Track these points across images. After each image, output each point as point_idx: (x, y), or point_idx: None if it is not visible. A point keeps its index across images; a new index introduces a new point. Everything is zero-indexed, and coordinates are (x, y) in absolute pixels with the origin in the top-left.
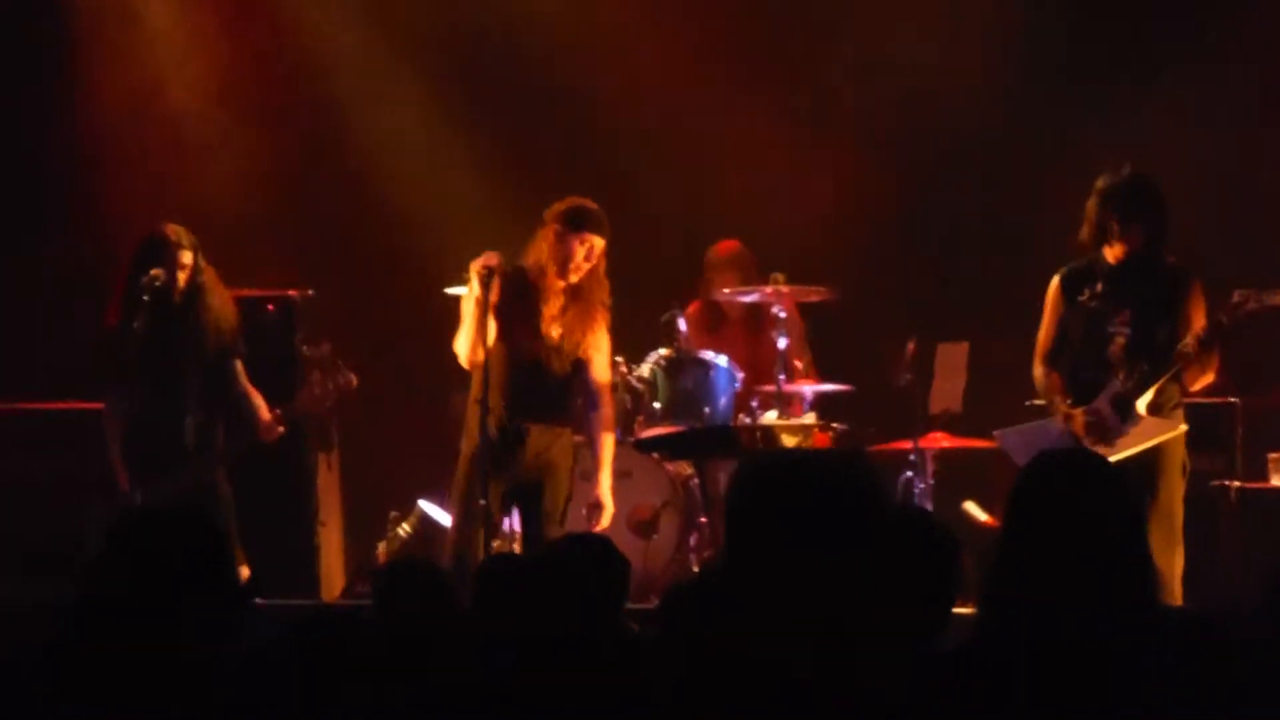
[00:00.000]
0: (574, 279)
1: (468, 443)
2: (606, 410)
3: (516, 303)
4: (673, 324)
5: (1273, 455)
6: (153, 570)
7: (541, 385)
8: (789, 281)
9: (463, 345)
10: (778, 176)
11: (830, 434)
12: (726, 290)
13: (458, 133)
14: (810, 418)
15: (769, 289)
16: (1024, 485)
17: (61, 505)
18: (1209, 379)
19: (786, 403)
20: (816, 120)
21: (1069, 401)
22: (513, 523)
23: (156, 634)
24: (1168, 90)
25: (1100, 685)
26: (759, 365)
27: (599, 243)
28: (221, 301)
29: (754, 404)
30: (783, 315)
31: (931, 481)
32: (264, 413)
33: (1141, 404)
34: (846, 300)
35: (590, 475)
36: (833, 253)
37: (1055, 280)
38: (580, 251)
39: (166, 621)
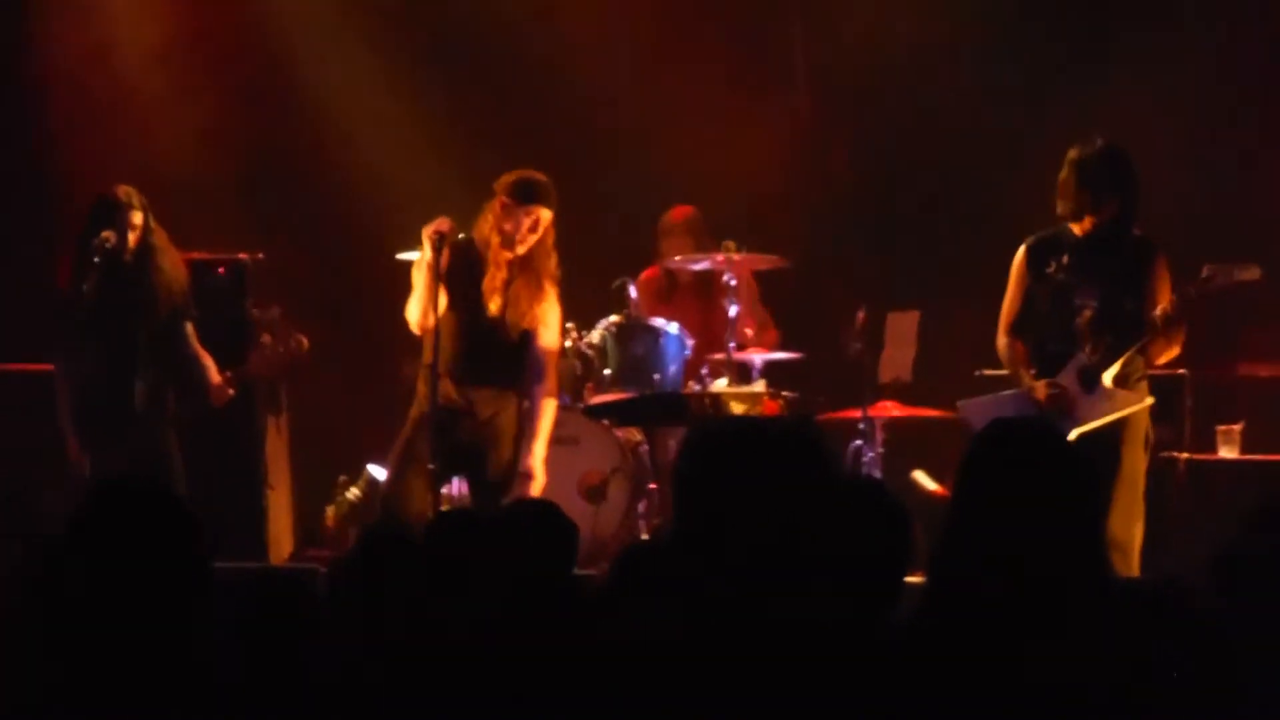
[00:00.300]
0: (520, 250)
1: (415, 407)
2: (549, 382)
3: (465, 272)
4: (624, 290)
5: (1220, 428)
6: (118, 550)
7: (488, 353)
8: (740, 249)
9: (413, 311)
10: (731, 144)
11: (779, 402)
12: (678, 258)
13: (412, 97)
14: (760, 386)
15: (720, 256)
16: (976, 453)
17: (10, 469)
18: (1174, 352)
19: (736, 370)
20: (770, 87)
21: (1033, 373)
22: (454, 489)
23: (125, 611)
24: (1128, 55)
25: (1050, 656)
26: (710, 332)
27: (545, 215)
28: (172, 264)
29: (704, 371)
30: (733, 283)
31: (881, 450)
32: (214, 376)
33: (1107, 377)
34: (797, 268)
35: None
36: (784, 221)
37: (1021, 251)
38: (526, 223)
39: (135, 598)
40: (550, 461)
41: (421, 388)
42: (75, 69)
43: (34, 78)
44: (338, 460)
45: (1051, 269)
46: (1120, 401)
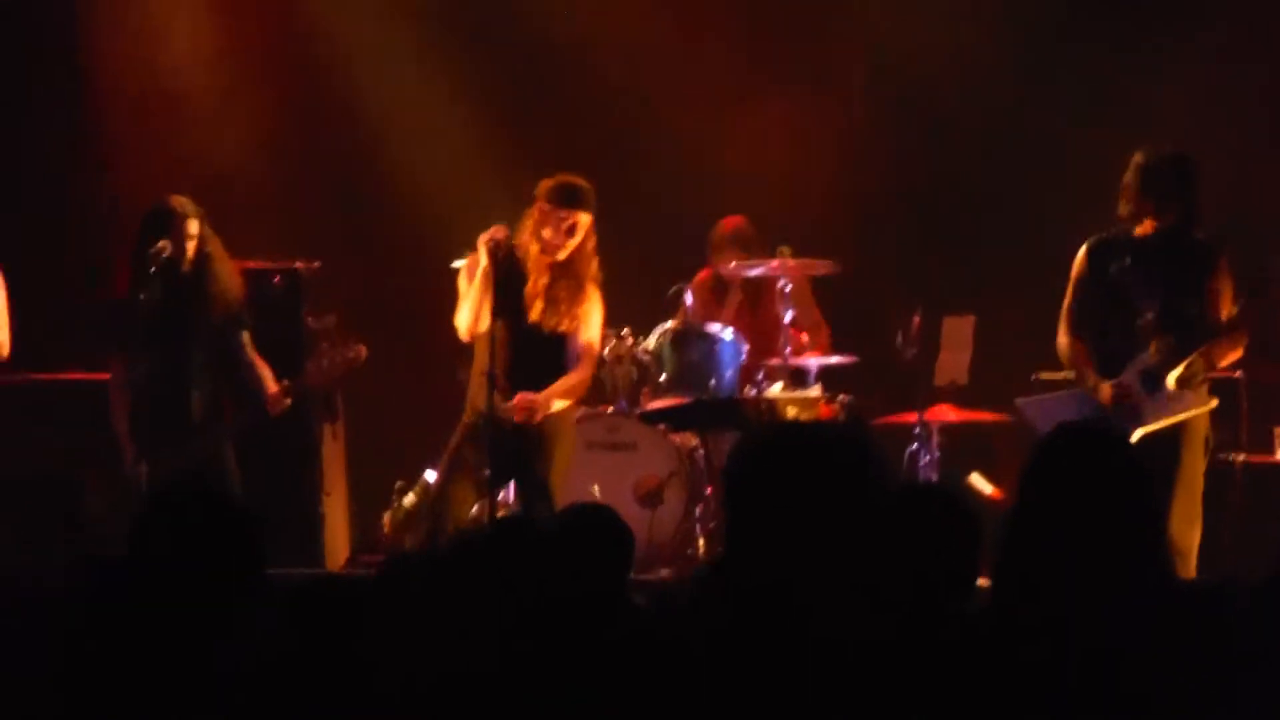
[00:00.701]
0: (561, 256)
1: (469, 413)
2: (584, 369)
3: (509, 279)
4: (679, 297)
5: (1278, 429)
6: (178, 556)
7: (534, 359)
8: (795, 255)
9: (464, 318)
10: (786, 146)
11: (835, 406)
12: (733, 264)
13: (465, 105)
14: (815, 390)
15: (774, 262)
16: (1042, 457)
17: (65, 477)
18: (1237, 355)
19: (791, 375)
20: (822, 93)
21: (1096, 372)
22: (508, 495)
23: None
24: (1177, 59)
25: (1112, 658)
26: (765, 338)
27: (584, 219)
28: (228, 273)
29: (759, 376)
30: (788, 288)
31: (937, 454)
32: (271, 385)
33: (1171, 378)
34: (852, 273)
35: (595, 445)
36: (839, 225)
37: (1082, 251)
38: (564, 227)
39: (193, 604)
40: (607, 466)
41: (473, 394)
42: (128, 77)
43: (89, 87)
44: (395, 467)
45: (1114, 269)
46: (1183, 403)
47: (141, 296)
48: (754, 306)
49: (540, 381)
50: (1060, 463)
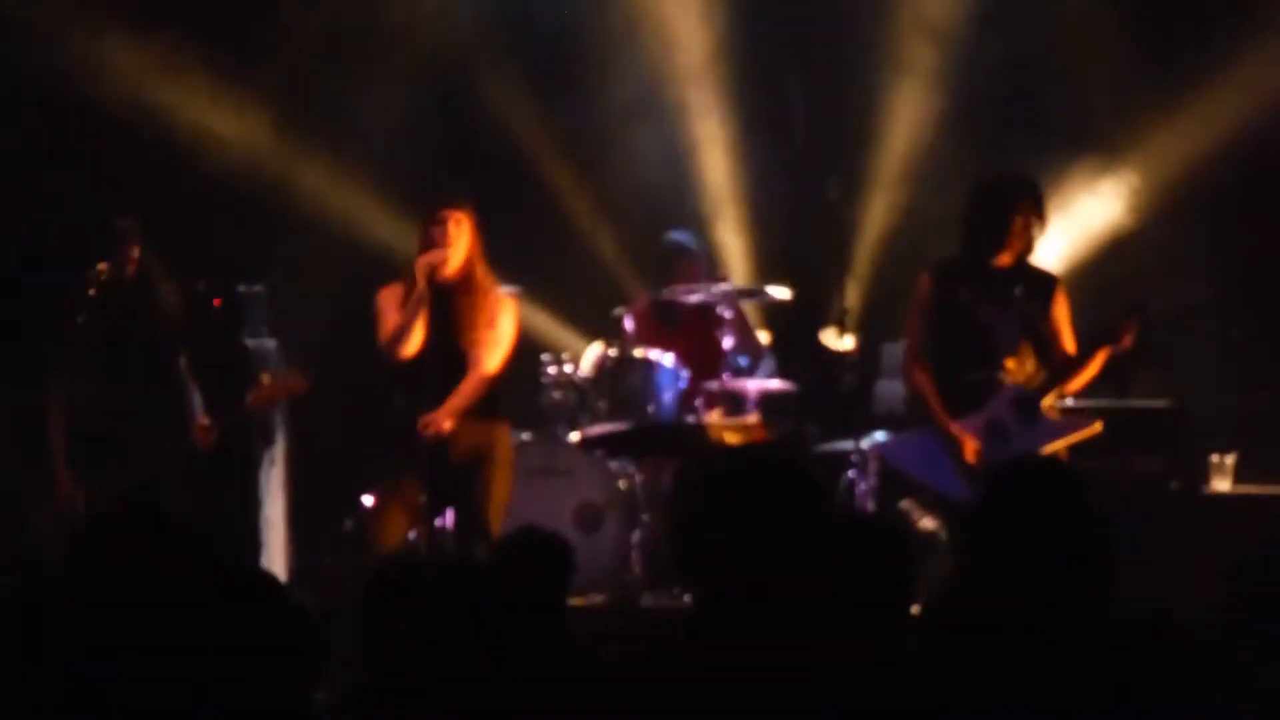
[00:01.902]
0: (450, 267)
1: (399, 439)
2: (472, 374)
3: (432, 303)
4: (619, 322)
5: (1214, 458)
6: (119, 577)
7: (448, 376)
8: (738, 279)
9: (396, 341)
10: (731, 173)
11: (772, 433)
12: (673, 288)
13: (405, 133)
14: (753, 417)
15: (716, 287)
16: (995, 494)
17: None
18: (1089, 379)
19: (730, 401)
20: (769, 119)
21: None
22: (444, 520)
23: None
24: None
25: (1060, 681)
26: (704, 363)
27: (458, 216)
28: (168, 295)
29: (698, 402)
30: (728, 315)
31: (874, 482)
32: (200, 417)
33: (1045, 403)
34: (793, 299)
35: (534, 471)
36: (781, 251)
37: (926, 278)
38: (438, 235)
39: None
40: (544, 492)
41: (402, 418)
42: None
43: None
44: (336, 492)
45: (964, 296)
46: (1068, 427)
47: (80, 318)
48: (694, 331)
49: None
50: (1017, 497)
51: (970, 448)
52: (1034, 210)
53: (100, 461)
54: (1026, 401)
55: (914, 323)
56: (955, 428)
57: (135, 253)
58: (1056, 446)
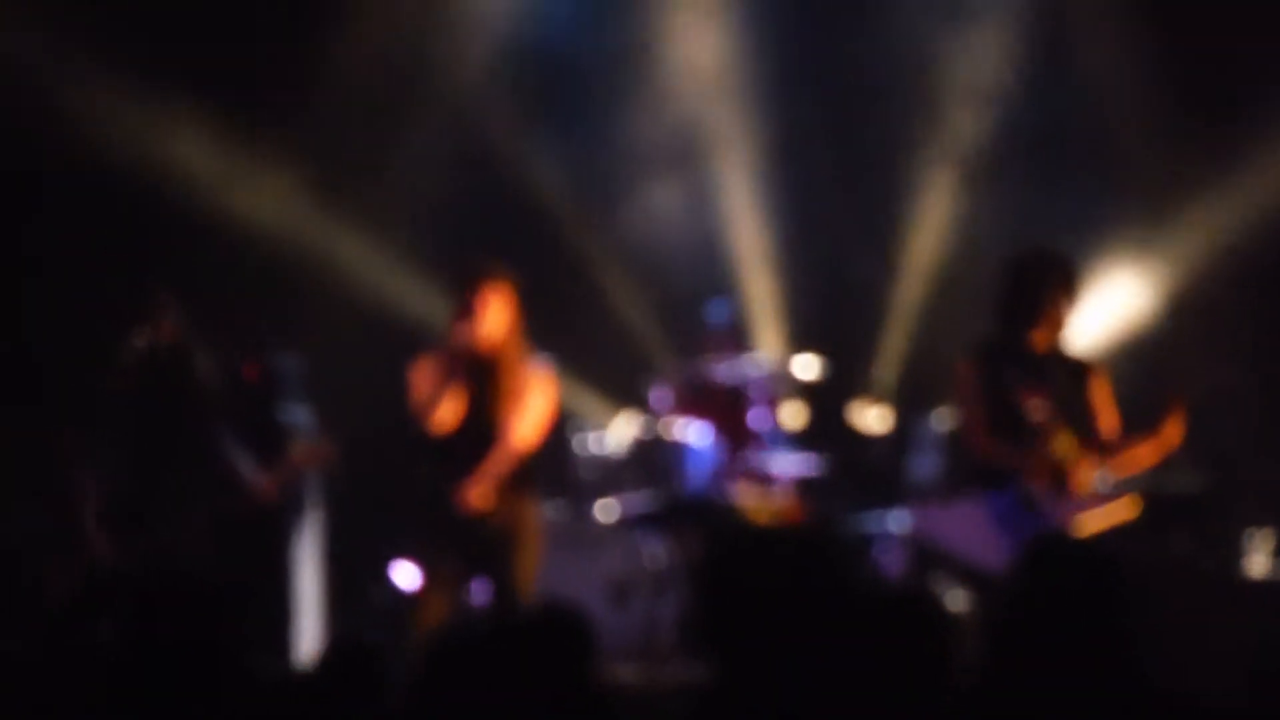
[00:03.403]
0: (491, 339)
1: (434, 512)
2: (502, 446)
3: (465, 376)
4: (652, 394)
5: (1251, 535)
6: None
7: (484, 451)
8: (769, 350)
9: (427, 412)
10: (764, 247)
11: (803, 509)
12: (706, 363)
13: (439, 200)
14: (784, 492)
15: (748, 363)
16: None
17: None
18: (1140, 466)
19: (761, 476)
20: (808, 196)
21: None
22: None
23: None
24: None
25: None
26: (736, 438)
27: (496, 287)
28: (204, 363)
29: (728, 477)
30: (761, 390)
31: (906, 557)
32: (256, 476)
33: (1081, 485)
34: (824, 374)
35: (563, 544)
36: (814, 326)
37: (966, 363)
38: (475, 305)
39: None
40: (574, 566)
41: (438, 492)
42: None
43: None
44: (368, 563)
45: (1007, 379)
46: (1107, 512)
47: (113, 385)
48: (726, 405)
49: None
50: (1046, 577)
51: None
52: (1065, 288)
53: (131, 527)
54: (1058, 478)
55: (968, 406)
56: (1035, 457)
57: (171, 323)
58: (1086, 522)
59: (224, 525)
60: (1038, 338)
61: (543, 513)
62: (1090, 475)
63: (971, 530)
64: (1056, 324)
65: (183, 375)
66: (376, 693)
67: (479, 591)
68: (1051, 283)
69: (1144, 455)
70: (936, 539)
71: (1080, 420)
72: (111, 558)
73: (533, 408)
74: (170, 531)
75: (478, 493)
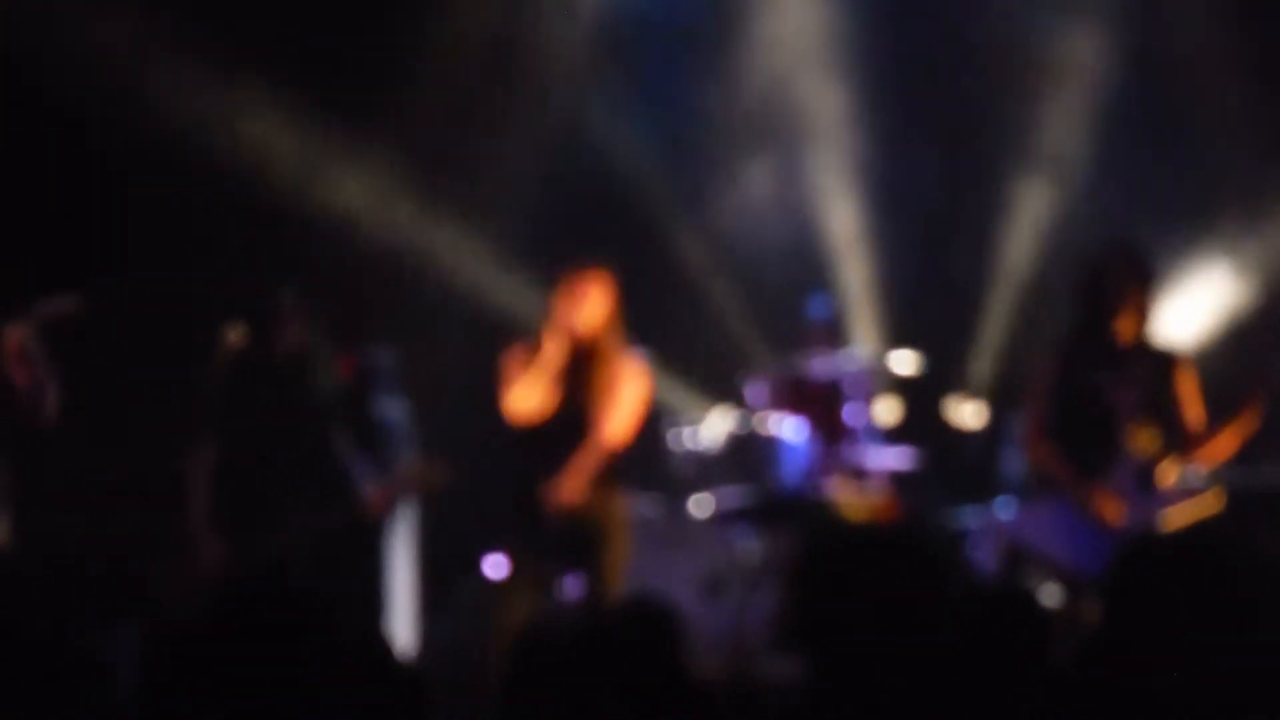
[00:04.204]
0: (587, 329)
1: (521, 505)
2: (593, 444)
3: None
4: (747, 389)
5: None
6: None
7: (576, 444)
8: (865, 346)
9: (519, 403)
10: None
11: (898, 505)
12: (802, 358)
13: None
14: (879, 488)
15: (844, 358)
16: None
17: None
18: (1222, 456)
19: (855, 472)
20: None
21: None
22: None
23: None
24: None
25: None
26: (832, 434)
27: (595, 278)
28: (328, 368)
29: (823, 473)
30: (856, 386)
31: (1001, 553)
32: (372, 487)
33: (1166, 479)
34: (920, 370)
35: (657, 538)
36: (909, 321)
37: (1047, 356)
38: (574, 297)
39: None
40: (667, 561)
41: (526, 485)
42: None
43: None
44: (461, 556)
45: (1087, 371)
46: (1187, 506)
47: (215, 384)
48: (822, 401)
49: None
50: (1151, 576)
51: (1112, 510)
52: (1135, 282)
53: (243, 529)
54: (1144, 473)
55: (1034, 400)
56: (1094, 492)
57: (297, 325)
58: (1172, 517)
59: (332, 532)
60: (1120, 331)
61: (634, 507)
62: (1175, 469)
63: (1056, 529)
64: (1138, 317)
65: (305, 379)
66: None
67: (569, 587)
68: (1131, 276)
69: (1225, 445)
70: (1023, 537)
71: (1165, 412)
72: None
73: (626, 401)
74: (281, 538)
75: (569, 488)
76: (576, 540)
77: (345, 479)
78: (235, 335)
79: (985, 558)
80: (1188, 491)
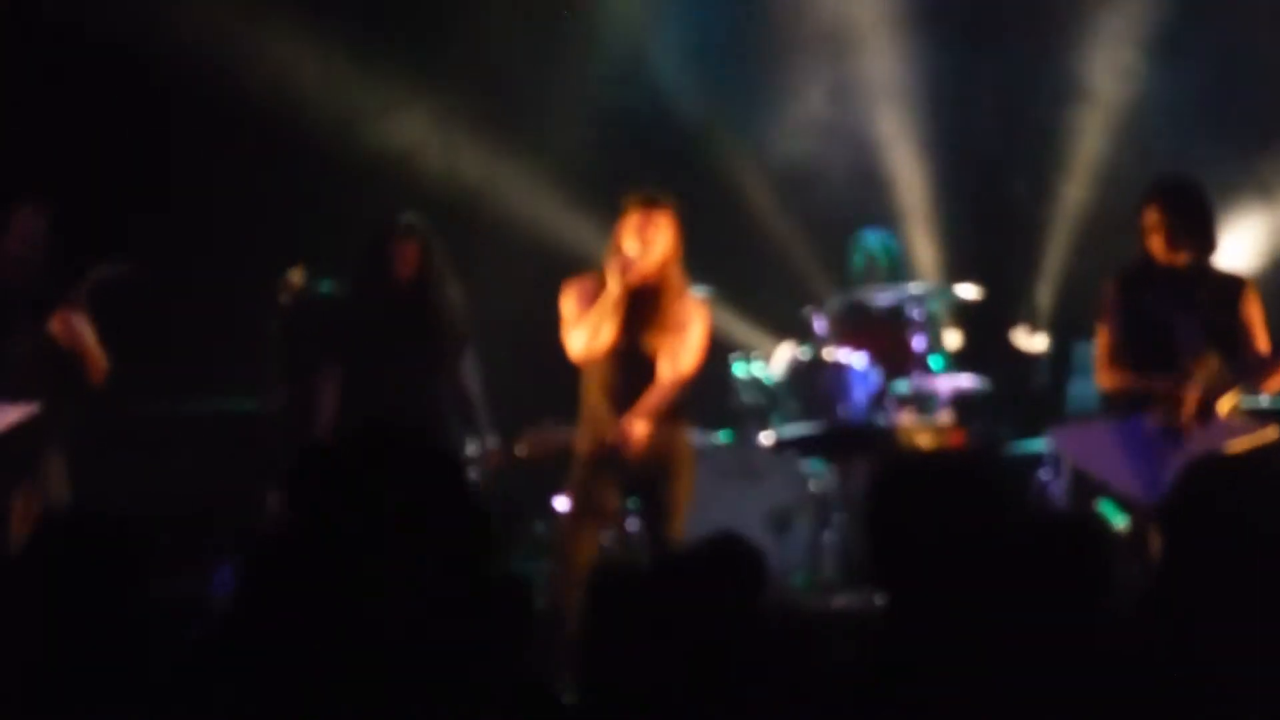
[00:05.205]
0: (651, 260)
1: (582, 441)
2: (662, 383)
3: (624, 303)
4: (809, 321)
5: None
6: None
7: (640, 379)
8: (927, 278)
9: (582, 339)
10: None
11: (964, 434)
12: (866, 288)
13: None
14: (945, 417)
15: (909, 288)
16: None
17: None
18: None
19: (922, 402)
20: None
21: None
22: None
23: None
24: None
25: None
26: (896, 363)
27: (658, 215)
28: (449, 297)
29: (890, 403)
30: (919, 317)
31: (1068, 482)
32: (489, 442)
33: (1222, 408)
34: (983, 299)
35: (724, 472)
36: (971, 250)
37: (1111, 284)
38: (637, 232)
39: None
40: (736, 494)
41: (590, 420)
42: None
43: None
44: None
45: (1148, 302)
46: (1240, 432)
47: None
48: (887, 331)
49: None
50: (1209, 497)
51: (1189, 405)
52: (1160, 208)
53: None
54: (1205, 402)
55: (1103, 328)
56: (1167, 384)
57: (417, 250)
58: (1233, 448)
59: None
60: (1180, 261)
61: (699, 442)
62: (1236, 398)
63: (1110, 454)
64: (1197, 247)
65: (429, 303)
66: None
67: (632, 521)
68: (1146, 204)
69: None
70: (1078, 461)
71: (1228, 339)
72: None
73: (690, 337)
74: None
75: (637, 427)
76: (641, 475)
77: (475, 419)
78: (296, 277)
79: (1055, 485)
80: (1246, 427)
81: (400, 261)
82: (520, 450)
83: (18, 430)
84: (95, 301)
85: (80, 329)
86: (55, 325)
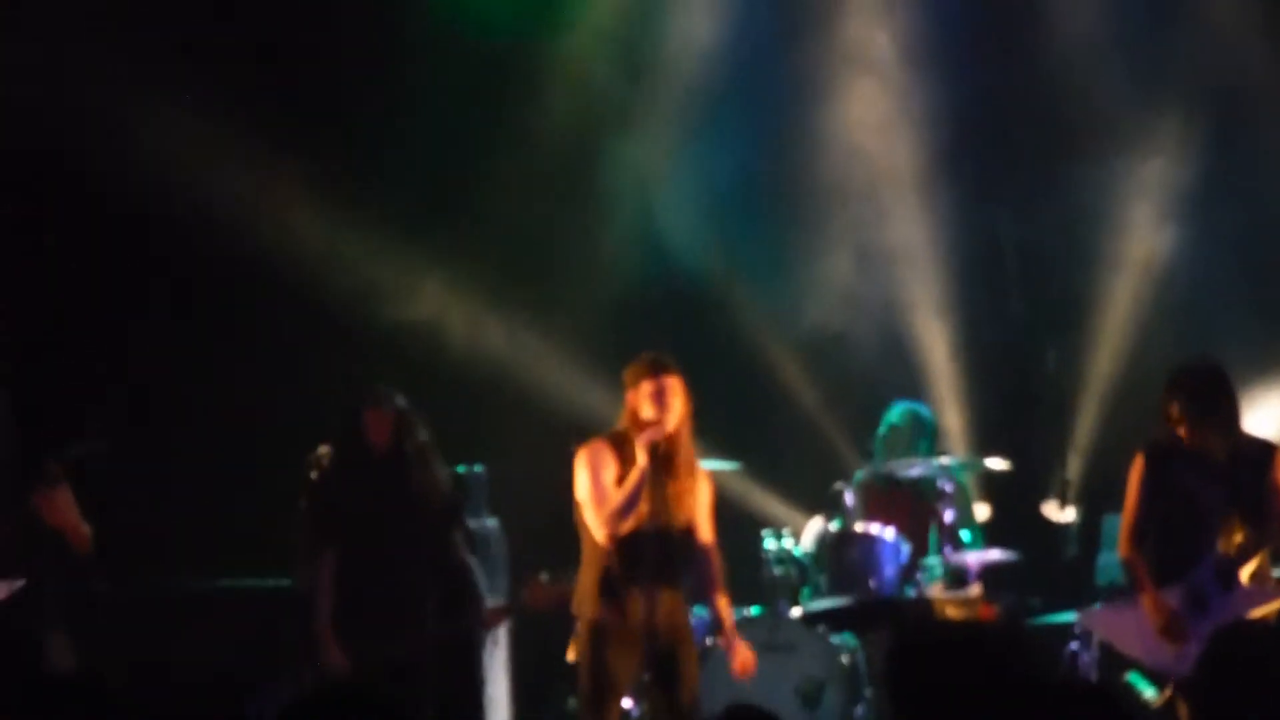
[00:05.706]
0: (671, 428)
1: (592, 613)
2: (716, 568)
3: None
4: (840, 496)
5: None
6: None
7: (661, 554)
8: (957, 450)
9: (620, 518)
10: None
11: (994, 606)
12: (894, 462)
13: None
14: (975, 589)
15: (937, 461)
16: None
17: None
18: None
19: (951, 574)
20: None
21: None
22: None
23: None
24: None
25: None
26: (926, 536)
27: (673, 381)
28: (433, 470)
29: (919, 576)
30: (949, 489)
31: (1097, 653)
32: (490, 605)
33: (1245, 574)
34: (1013, 471)
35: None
36: (1000, 423)
37: (1140, 459)
38: (657, 401)
39: None
40: (766, 667)
41: (606, 594)
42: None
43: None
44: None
45: (1176, 474)
46: (1260, 599)
47: (303, 501)
48: (915, 504)
49: (666, 577)
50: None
51: (1163, 617)
52: (1182, 403)
53: (363, 640)
54: (1225, 570)
55: (1129, 501)
56: (1155, 599)
57: (389, 420)
58: (1256, 615)
59: (454, 643)
60: (1211, 440)
61: (733, 614)
62: (1259, 565)
63: (1136, 630)
64: (1224, 427)
65: (408, 482)
66: None
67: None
68: (1171, 393)
69: None
70: (1108, 639)
71: (1256, 505)
72: (345, 669)
73: (709, 508)
74: (400, 647)
75: (742, 654)
76: (665, 647)
77: (468, 586)
78: (325, 453)
79: (1085, 656)
80: (1269, 592)
81: (374, 429)
82: (517, 606)
83: (9, 608)
84: (77, 477)
85: (62, 504)
86: (38, 503)
